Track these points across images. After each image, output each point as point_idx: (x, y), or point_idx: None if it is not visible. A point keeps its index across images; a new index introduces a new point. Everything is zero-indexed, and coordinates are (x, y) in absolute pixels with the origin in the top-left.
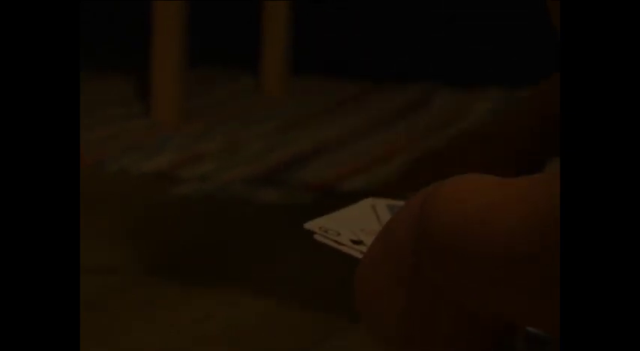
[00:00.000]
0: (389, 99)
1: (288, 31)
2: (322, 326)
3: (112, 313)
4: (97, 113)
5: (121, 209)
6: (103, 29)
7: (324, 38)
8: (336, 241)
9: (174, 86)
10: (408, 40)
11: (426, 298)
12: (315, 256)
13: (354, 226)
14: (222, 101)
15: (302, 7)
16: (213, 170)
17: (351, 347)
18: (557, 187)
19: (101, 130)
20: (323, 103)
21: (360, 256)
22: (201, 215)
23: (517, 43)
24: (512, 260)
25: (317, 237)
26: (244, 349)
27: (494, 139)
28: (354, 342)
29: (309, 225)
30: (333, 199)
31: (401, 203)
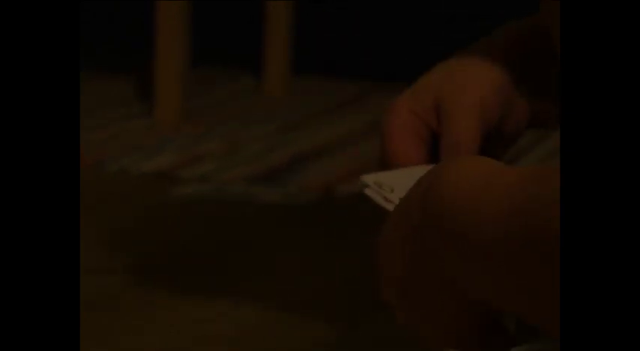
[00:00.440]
0: (389, 100)
1: (290, 32)
2: (323, 327)
3: (112, 313)
4: (97, 113)
5: (121, 209)
6: (104, 29)
7: (325, 39)
8: (385, 199)
9: (176, 86)
10: (408, 40)
11: (426, 273)
12: (315, 256)
13: (409, 186)
14: (223, 101)
15: (303, 8)
16: (214, 170)
17: (351, 348)
18: (557, 181)
19: (101, 131)
20: (323, 103)
21: None
22: (201, 215)
23: None
24: (492, 251)
25: (367, 191)
26: (244, 349)
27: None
28: (355, 343)
29: (365, 177)
30: (333, 199)
31: None
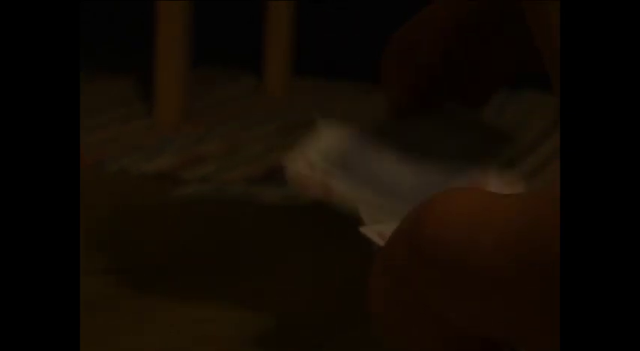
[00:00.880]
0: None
1: (291, 32)
2: (323, 327)
3: (112, 313)
4: (97, 114)
5: (121, 209)
6: (104, 29)
7: (326, 39)
8: (380, 235)
9: (176, 87)
10: None
11: (415, 308)
12: (316, 257)
13: None
14: (223, 102)
15: (303, 8)
16: (214, 171)
17: (351, 348)
18: (544, 209)
19: (101, 131)
20: (324, 104)
21: None
22: (202, 215)
23: None
24: (493, 282)
25: (363, 229)
26: (244, 349)
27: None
28: (355, 344)
29: (365, 229)
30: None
31: None
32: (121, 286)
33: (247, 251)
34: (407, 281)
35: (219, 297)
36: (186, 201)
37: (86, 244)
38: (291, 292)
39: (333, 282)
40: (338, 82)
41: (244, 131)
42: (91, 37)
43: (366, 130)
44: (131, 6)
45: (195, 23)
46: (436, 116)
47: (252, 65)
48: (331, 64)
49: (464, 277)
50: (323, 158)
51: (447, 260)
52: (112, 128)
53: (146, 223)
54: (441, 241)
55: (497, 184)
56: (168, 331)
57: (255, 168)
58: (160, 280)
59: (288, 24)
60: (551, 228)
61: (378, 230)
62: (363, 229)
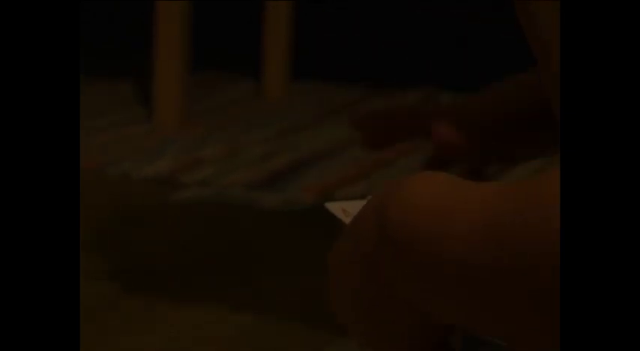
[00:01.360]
0: (390, 103)
1: (290, 36)
2: (322, 328)
3: (112, 314)
4: (97, 117)
5: (121, 213)
6: (104, 30)
7: (325, 42)
8: (344, 212)
9: (176, 90)
10: (408, 44)
11: (379, 291)
12: (315, 259)
13: None
14: (223, 105)
15: (303, 12)
16: (214, 175)
17: (351, 348)
18: (523, 202)
19: (101, 134)
20: (324, 107)
21: None
22: (201, 219)
23: (518, 48)
24: (464, 269)
25: (328, 205)
26: (244, 349)
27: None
28: (355, 345)
29: (329, 205)
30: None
31: None
32: (120, 288)
33: (247, 252)
34: (374, 260)
35: (219, 298)
36: (185, 204)
37: (86, 246)
38: (291, 292)
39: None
40: (337, 86)
41: (244, 134)
42: (91, 39)
43: None
44: (130, 7)
45: (195, 27)
46: None
47: (251, 68)
48: (330, 68)
49: (434, 266)
50: None
51: (417, 247)
52: (111, 131)
53: (146, 225)
54: (410, 227)
55: None
56: (168, 331)
57: (254, 171)
58: (159, 281)
59: (287, 28)
60: (528, 222)
61: (342, 206)
62: (328, 205)
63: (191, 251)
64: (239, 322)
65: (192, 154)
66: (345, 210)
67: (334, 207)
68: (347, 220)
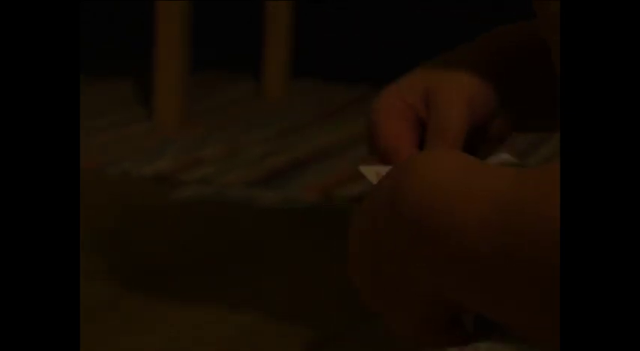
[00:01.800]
0: None
1: (290, 36)
2: (322, 328)
3: (112, 314)
4: (97, 117)
5: (121, 212)
6: (104, 30)
7: (325, 42)
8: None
9: (176, 90)
10: (408, 44)
11: (392, 267)
12: (314, 259)
13: None
14: (223, 105)
15: (303, 12)
16: (214, 174)
17: (350, 348)
18: (534, 199)
19: (102, 134)
20: (323, 107)
21: None
22: (201, 218)
23: None
24: (472, 254)
25: (362, 169)
26: (244, 349)
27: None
28: (355, 344)
29: (363, 168)
30: (333, 202)
31: None
32: (120, 288)
33: (247, 252)
34: (387, 234)
35: (219, 298)
36: (186, 203)
37: (86, 246)
38: (291, 292)
39: (333, 283)
40: (337, 86)
41: (244, 134)
42: (91, 39)
43: None
44: (130, 7)
45: (196, 28)
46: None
47: (251, 68)
48: (330, 68)
49: (437, 247)
50: None
51: (427, 228)
52: (112, 131)
53: (146, 225)
54: (422, 208)
55: None
56: (168, 331)
57: (254, 171)
58: (160, 281)
59: (287, 27)
60: (544, 211)
61: (376, 170)
62: (362, 168)
63: (191, 251)
64: (239, 322)
65: (193, 154)
66: (379, 174)
67: (369, 171)
68: None
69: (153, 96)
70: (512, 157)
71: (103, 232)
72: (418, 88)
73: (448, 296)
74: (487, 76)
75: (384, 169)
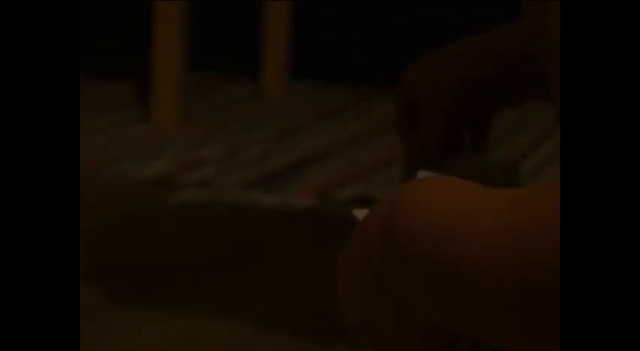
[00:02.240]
0: (389, 104)
1: (289, 36)
2: (322, 328)
3: (112, 314)
4: (96, 118)
5: (120, 214)
6: (103, 31)
7: (324, 43)
8: None
9: (174, 91)
10: (407, 45)
11: (385, 297)
12: (315, 258)
13: None
14: (222, 106)
15: (302, 12)
16: (213, 175)
17: (350, 348)
18: (540, 212)
19: (100, 135)
20: (322, 108)
21: None
22: (200, 220)
23: None
24: (477, 278)
25: (355, 212)
26: (243, 350)
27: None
28: (354, 345)
29: (356, 212)
30: (332, 205)
31: None
32: (120, 288)
33: (246, 252)
34: (379, 264)
35: (218, 298)
36: (184, 204)
37: (86, 246)
38: (290, 292)
39: (332, 284)
40: (336, 87)
41: (243, 135)
42: (91, 39)
43: None
44: (130, 7)
45: (194, 29)
46: (469, 166)
47: (250, 68)
48: (329, 69)
49: (442, 277)
50: None
51: (425, 258)
52: (111, 132)
53: (145, 225)
54: (414, 232)
55: None
56: (168, 331)
57: (253, 172)
58: (158, 281)
59: (285, 26)
60: (551, 224)
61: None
62: (356, 212)
63: (191, 251)
64: (239, 322)
65: (192, 155)
66: None
67: (362, 214)
68: None
69: (152, 97)
70: (434, 173)
71: (103, 232)
72: (409, 92)
73: (447, 323)
74: (473, 68)
75: None
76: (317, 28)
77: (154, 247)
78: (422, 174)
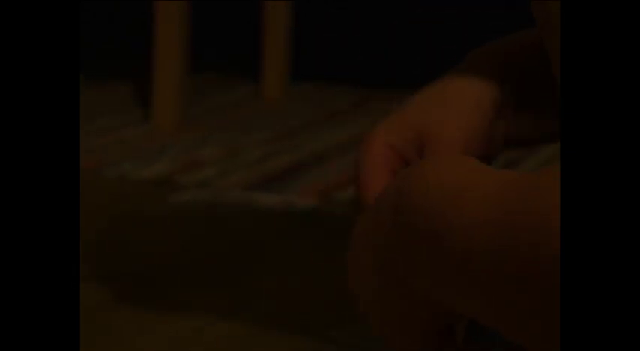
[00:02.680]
0: (388, 106)
1: (289, 37)
2: (322, 329)
3: (112, 314)
4: (96, 119)
5: (120, 214)
6: (103, 32)
7: (324, 45)
8: None
9: (175, 91)
10: (408, 47)
11: (388, 276)
12: (313, 261)
13: None
14: (222, 107)
15: (302, 12)
16: (213, 177)
17: (349, 348)
18: (539, 195)
19: (100, 136)
20: (322, 109)
21: None
22: (200, 221)
23: None
24: (471, 256)
25: None
26: (243, 350)
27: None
28: (354, 344)
29: None
30: (332, 206)
31: None
32: (121, 288)
33: (247, 253)
34: (390, 243)
35: (218, 298)
36: (184, 205)
37: (86, 247)
38: (291, 292)
39: (332, 285)
40: (336, 89)
41: (243, 136)
42: (91, 39)
43: None
44: (130, 7)
45: (194, 30)
46: None
47: (250, 70)
48: (329, 71)
49: (435, 251)
50: None
51: (425, 231)
52: (111, 133)
53: (145, 226)
54: (419, 209)
55: None
56: (168, 331)
57: (253, 174)
58: (159, 281)
59: (285, 27)
60: (550, 209)
61: None
62: None
63: (191, 251)
64: (239, 322)
65: (192, 155)
66: None
67: None
68: None
69: (152, 98)
70: None
71: (103, 232)
72: (410, 131)
73: (447, 303)
74: (489, 103)
75: None
76: (317, 28)
77: (154, 248)
78: None
